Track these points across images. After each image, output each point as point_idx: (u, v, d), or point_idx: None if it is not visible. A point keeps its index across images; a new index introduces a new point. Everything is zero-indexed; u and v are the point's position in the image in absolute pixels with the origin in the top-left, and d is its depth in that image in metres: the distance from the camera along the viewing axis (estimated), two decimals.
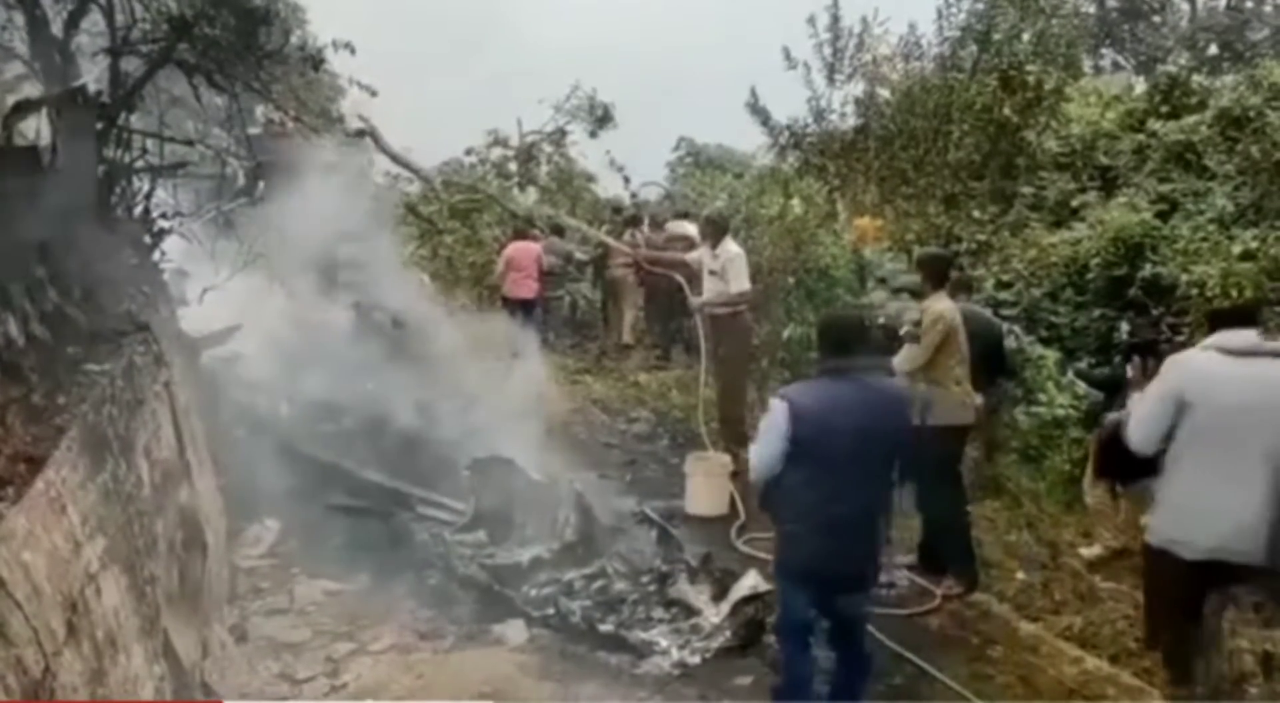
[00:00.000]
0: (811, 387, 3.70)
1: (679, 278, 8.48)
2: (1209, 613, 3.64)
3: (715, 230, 7.80)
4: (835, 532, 3.61)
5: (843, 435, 3.55)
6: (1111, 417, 4.65)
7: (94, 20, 4.85)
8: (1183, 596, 3.70)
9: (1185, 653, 3.78)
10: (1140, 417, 3.80)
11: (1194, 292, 7.69)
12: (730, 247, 7.69)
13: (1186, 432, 3.64)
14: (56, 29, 4.54)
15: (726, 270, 7.52)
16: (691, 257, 8.28)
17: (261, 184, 6.95)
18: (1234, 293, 7.33)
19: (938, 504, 5.53)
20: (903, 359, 5.34)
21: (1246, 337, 3.70)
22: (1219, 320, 3.86)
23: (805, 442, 3.55)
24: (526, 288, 11.82)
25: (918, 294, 5.47)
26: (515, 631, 4.89)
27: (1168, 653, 3.98)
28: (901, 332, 5.52)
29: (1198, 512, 3.61)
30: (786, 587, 3.82)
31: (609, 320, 12.89)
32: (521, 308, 11.77)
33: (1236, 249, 8.36)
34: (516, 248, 12.02)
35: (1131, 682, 4.49)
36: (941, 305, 5.41)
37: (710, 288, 7.71)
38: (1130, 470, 4.24)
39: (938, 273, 5.64)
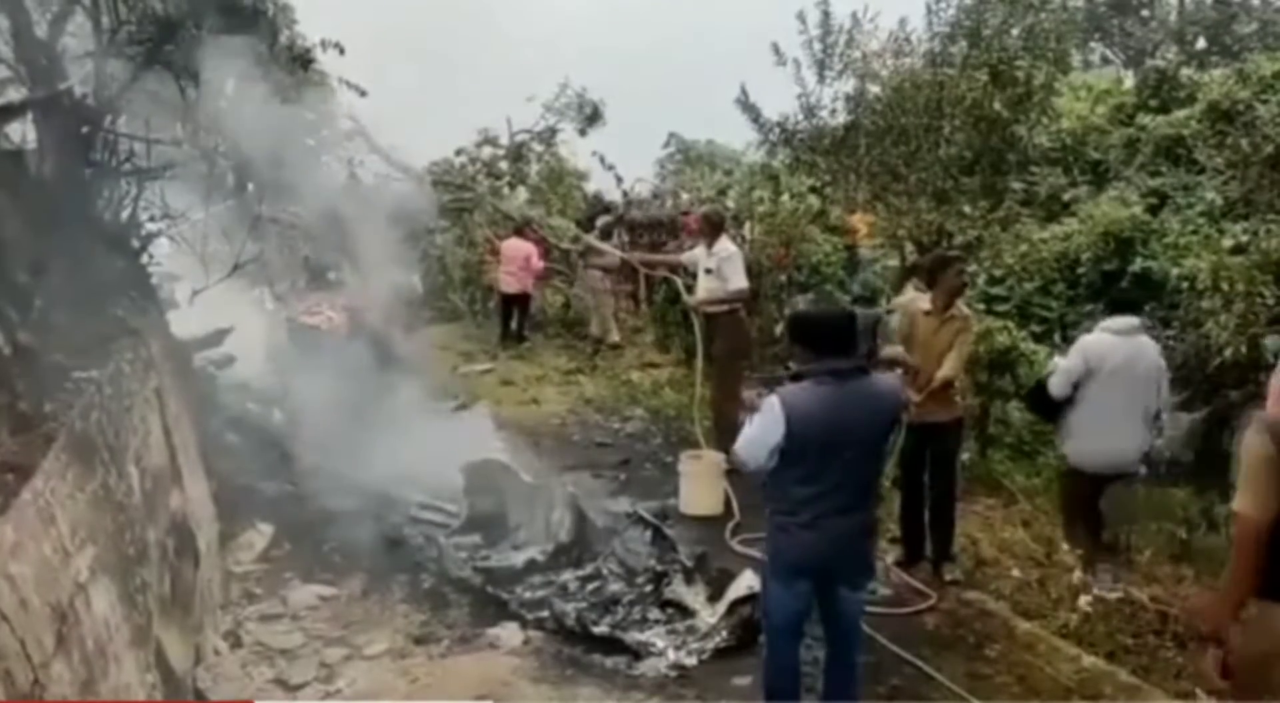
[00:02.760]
0: (805, 390, 3.64)
1: (674, 278, 8.48)
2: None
3: (712, 229, 7.76)
4: (828, 526, 3.60)
5: (838, 435, 3.54)
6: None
7: (80, 23, 4.79)
8: (1087, 497, 5.53)
9: (1090, 540, 5.51)
10: (1058, 375, 5.42)
11: (1184, 285, 7.66)
12: (727, 245, 7.68)
13: (1088, 387, 5.30)
14: (42, 31, 4.47)
15: (723, 269, 7.49)
16: (686, 256, 8.27)
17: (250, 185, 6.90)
18: (1225, 287, 7.29)
19: (950, 494, 5.68)
20: (953, 368, 5.52)
21: (1127, 321, 5.37)
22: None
23: (800, 441, 3.53)
24: (511, 283, 12.53)
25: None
26: (510, 633, 4.86)
27: (1080, 542, 5.55)
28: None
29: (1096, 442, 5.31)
30: (776, 580, 3.79)
31: (591, 319, 13.01)
32: (510, 302, 12.67)
33: (1227, 243, 8.32)
34: (507, 245, 12.70)
35: (1128, 679, 4.47)
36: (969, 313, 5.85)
37: (706, 286, 7.68)
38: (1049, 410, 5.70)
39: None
